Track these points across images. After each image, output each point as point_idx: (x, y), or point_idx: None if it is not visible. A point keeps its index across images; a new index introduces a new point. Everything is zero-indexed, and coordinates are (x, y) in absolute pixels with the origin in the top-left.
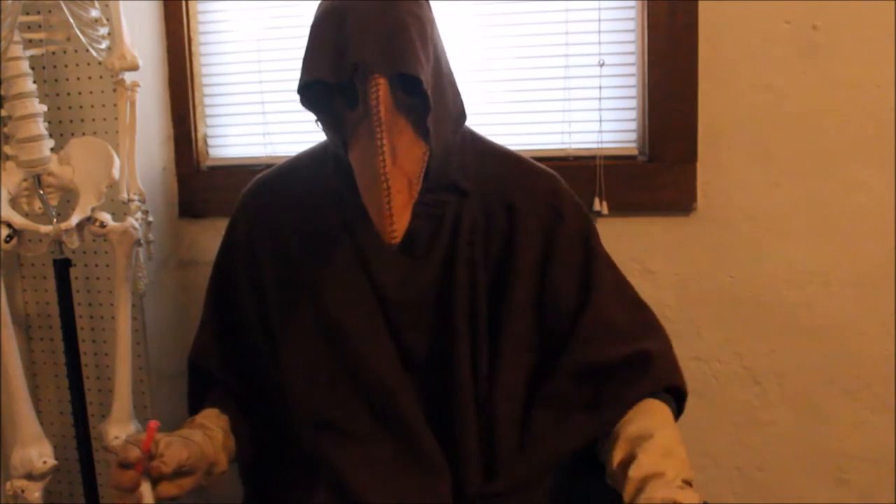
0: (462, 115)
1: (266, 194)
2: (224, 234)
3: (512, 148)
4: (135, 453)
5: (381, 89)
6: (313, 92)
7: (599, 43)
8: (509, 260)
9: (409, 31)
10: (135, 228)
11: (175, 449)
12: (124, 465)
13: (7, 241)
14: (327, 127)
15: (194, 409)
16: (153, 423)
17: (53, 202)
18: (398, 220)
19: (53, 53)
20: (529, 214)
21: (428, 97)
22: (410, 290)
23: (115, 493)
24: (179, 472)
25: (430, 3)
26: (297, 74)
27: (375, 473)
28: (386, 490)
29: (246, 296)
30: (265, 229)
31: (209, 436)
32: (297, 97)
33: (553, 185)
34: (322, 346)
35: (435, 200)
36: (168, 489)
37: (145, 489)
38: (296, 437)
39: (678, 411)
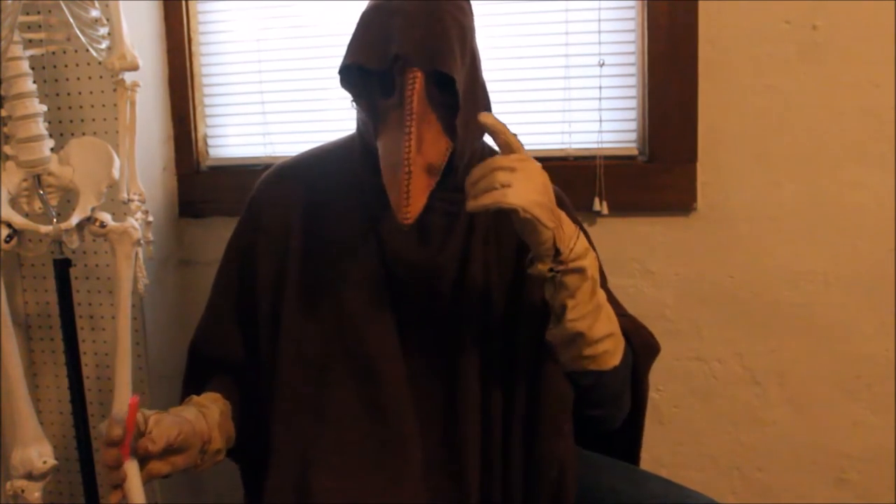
0: None
1: (290, 178)
2: (242, 216)
3: None
4: (116, 431)
5: (417, 82)
6: (350, 77)
7: (599, 43)
8: (523, 266)
9: (451, 34)
10: (135, 228)
11: (164, 426)
12: (109, 444)
13: (7, 241)
14: (363, 111)
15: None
16: (133, 400)
17: (53, 202)
18: (414, 203)
19: (53, 53)
20: None
21: (459, 97)
22: (423, 281)
23: (103, 470)
24: (171, 450)
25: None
26: (297, 74)
27: (341, 458)
28: (347, 476)
29: (263, 275)
30: (288, 210)
31: (203, 413)
32: (298, 96)
33: (559, 195)
34: (324, 326)
35: (452, 198)
36: (160, 467)
37: (129, 467)
38: (274, 424)
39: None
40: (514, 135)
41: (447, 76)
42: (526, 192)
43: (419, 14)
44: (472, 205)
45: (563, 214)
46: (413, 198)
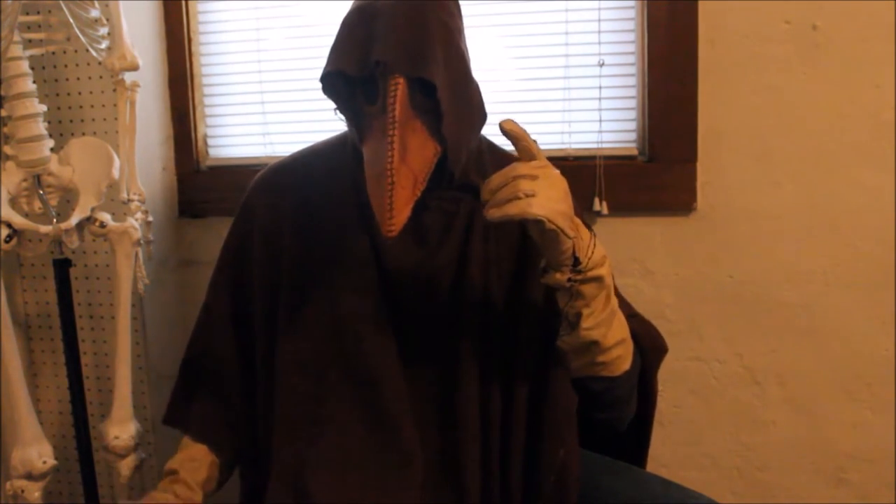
0: (484, 119)
1: (282, 179)
2: (236, 218)
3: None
4: None
5: (399, 89)
6: (335, 83)
7: (599, 43)
8: (524, 265)
9: (434, 38)
10: (135, 228)
11: None
12: None
13: (7, 241)
14: (347, 117)
15: (179, 412)
16: None
17: (53, 202)
18: (397, 214)
19: (53, 53)
20: None
21: (441, 104)
22: (421, 282)
23: None
24: None
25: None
26: (297, 74)
27: (339, 461)
28: (346, 479)
29: (258, 277)
30: (281, 211)
31: (186, 500)
32: (298, 96)
33: None
34: (320, 329)
35: (450, 196)
36: None
37: None
38: (271, 433)
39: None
40: (534, 141)
41: (430, 81)
42: (549, 202)
43: (401, 16)
44: (494, 214)
45: (579, 221)
46: (396, 209)
